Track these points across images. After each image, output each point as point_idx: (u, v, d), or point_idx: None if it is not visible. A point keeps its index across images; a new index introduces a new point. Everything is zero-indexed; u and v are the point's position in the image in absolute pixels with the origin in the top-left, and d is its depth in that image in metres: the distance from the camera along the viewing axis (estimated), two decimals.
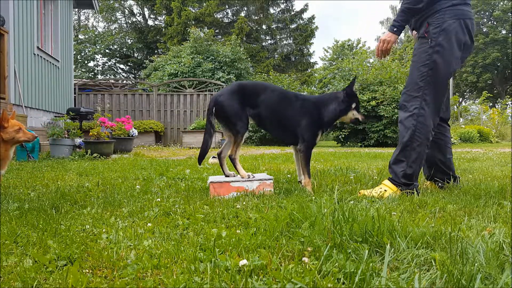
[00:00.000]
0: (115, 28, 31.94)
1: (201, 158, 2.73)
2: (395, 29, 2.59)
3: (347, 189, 2.72)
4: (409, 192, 2.49)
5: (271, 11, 27.73)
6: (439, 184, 2.82)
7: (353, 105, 2.75)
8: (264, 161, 5.46)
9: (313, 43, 28.68)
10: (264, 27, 27.68)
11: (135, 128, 9.21)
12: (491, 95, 29.84)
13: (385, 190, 2.52)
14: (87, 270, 1.23)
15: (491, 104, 25.43)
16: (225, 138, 2.80)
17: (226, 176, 2.75)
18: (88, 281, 1.12)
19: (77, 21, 32.32)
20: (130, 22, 31.83)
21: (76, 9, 19.74)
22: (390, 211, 1.90)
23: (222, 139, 11.56)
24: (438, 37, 2.46)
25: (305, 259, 1.25)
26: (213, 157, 5.24)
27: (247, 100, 2.67)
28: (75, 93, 11.80)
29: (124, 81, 16.72)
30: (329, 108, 2.74)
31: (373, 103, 12.12)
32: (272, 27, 27.53)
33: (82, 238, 1.54)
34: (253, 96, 2.69)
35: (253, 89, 2.72)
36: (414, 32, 2.77)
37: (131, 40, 30.09)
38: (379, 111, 12.07)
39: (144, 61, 22.93)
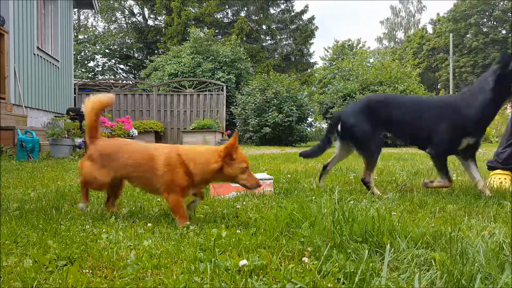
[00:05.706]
0: (115, 28, 31.91)
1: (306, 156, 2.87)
2: None
3: (347, 189, 2.72)
4: None
5: (271, 11, 27.73)
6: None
7: None
8: (264, 161, 5.45)
9: (313, 43, 28.68)
10: (264, 27, 27.67)
11: (135, 128, 9.21)
12: None
13: (505, 178, 2.55)
14: (87, 270, 1.23)
15: None
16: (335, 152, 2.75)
17: None
18: (88, 281, 1.12)
19: (77, 21, 32.30)
20: (130, 22, 31.79)
21: (76, 9, 19.72)
22: (390, 211, 1.90)
23: (222, 139, 11.56)
24: None
25: (305, 259, 1.25)
26: None
27: (379, 118, 2.44)
28: (75, 93, 11.80)
29: (124, 81, 16.70)
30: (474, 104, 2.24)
31: None
32: (272, 27, 27.52)
33: (82, 238, 1.54)
34: (386, 114, 2.44)
35: (384, 105, 2.47)
36: None
37: (131, 40, 30.05)
38: None
39: (144, 61, 22.93)
